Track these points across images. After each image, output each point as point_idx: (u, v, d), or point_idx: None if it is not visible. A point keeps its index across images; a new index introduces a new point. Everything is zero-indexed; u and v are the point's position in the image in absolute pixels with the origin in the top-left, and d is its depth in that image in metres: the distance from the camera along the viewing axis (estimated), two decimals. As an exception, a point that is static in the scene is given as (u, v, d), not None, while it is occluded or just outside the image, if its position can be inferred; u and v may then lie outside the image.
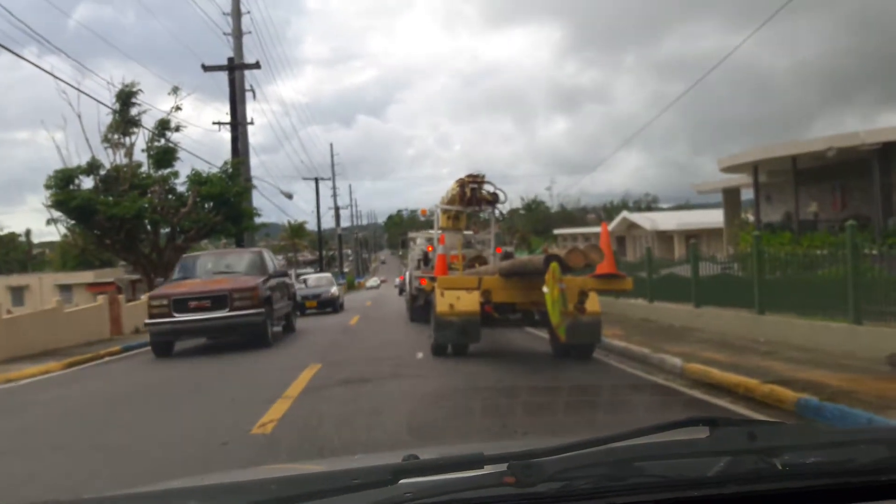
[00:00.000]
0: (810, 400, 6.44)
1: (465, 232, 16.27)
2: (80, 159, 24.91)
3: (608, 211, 76.17)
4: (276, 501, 1.07)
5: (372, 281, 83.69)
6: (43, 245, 72.77)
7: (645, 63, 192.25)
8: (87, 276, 44.17)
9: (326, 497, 1.07)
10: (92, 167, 24.93)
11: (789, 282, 11.19)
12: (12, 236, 71.91)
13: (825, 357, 8.91)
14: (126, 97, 25.48)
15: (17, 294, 45.76)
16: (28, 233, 71.03)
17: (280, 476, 1.20)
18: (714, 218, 32.01)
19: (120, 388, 10.34)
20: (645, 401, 6.98)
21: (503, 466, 1.14)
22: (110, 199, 24.21)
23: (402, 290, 34.21)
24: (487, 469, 1.15)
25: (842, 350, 9.10)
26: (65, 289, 43.29)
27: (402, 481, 1.10)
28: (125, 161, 25.80)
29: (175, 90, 27.10)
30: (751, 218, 26.44)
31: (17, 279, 49.20)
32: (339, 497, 1.07)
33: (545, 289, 8.81)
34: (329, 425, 6.42)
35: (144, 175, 26.07)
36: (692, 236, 29.52)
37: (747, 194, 27.79)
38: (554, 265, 8.74)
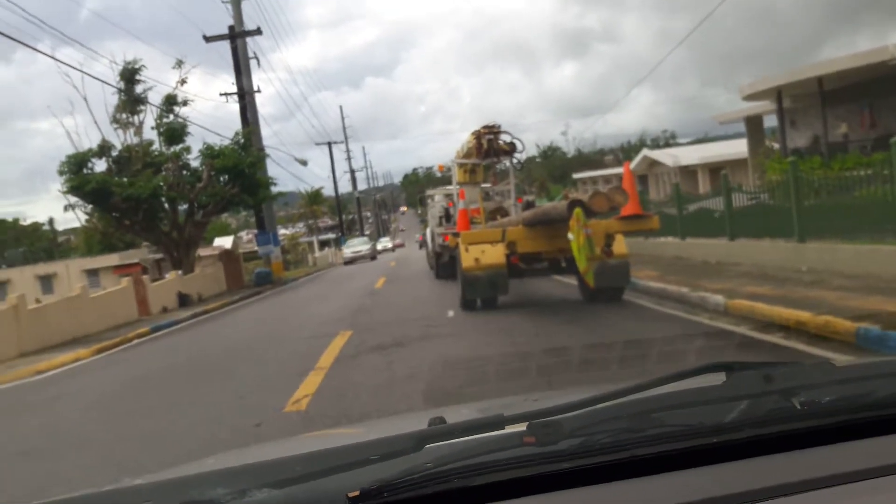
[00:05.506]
0: (871, 329, 6.07)
1: (483, 185, 16.00)
2: (92, 143, 24.78)
3: (626, 151, 75.06)
4: (299, 479, 1.06)
5: (354, 247, 47.98)
6: (67, 232, 73.19)
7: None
8: (113, 259, 44.19)
9: (352, 469, 1.07)
10: (103, 149, 24.78)
11: (830, 206, 10.69)
12: (36, 226, 72.53)
13: (877, 282, 8.48)
14: (130, 75, 25.17)
15: (46, 282, 46.04)
16: (51, 221, 71.54)
17: (304, 453, 1.16)
18: (736, 148, 31.21)
19: (148, 371, 10.17)
20: (695, 345, 6.62)
21: (524, 426, 1.14)
22: (125, 179, 24.08)
23: (421, 246, 34.67)
24: (508, 429, 1.15)
25: (893, 274, 8.67)
26: (92, 273, 43.37)
27: (426, 447, 1.11)
28: (136, 140, 25.59)
29: (179, 63, 26.74)
30: (775, 145, 25.64)
31: (44, 268, 49.39)
32: (365, 468, 1.08)
33: (570, 235, 8.72)
34: (365, 396, 6.15)
35: (157, 153, 25.90)
36: (716, 169, 28.82)
37: (770, 122, 27.01)
38: (578, 211, 8.61)
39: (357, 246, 48.34)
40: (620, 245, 10.21)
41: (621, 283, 10.49)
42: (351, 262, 44.08)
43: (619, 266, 10.14)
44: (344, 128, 76.01)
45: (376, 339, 9.25)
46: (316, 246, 67.77)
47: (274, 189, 29.26)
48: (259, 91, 30.82)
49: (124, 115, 25.43)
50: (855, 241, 9.88)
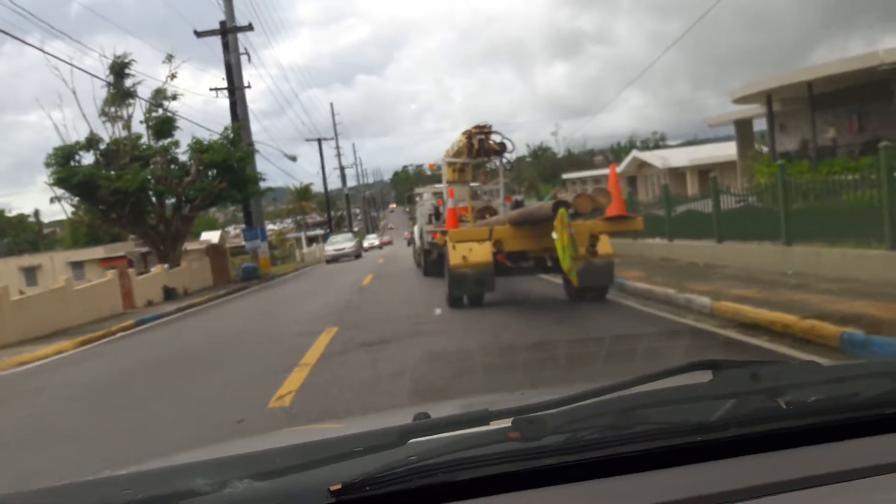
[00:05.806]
0: (855, 334, 6.08)
1: (473, 183, 16.04)
2: (80, 136, 24.59)
3: (616, 152, 75.26)
4: (281, 472, 1.07)
5: (337, 244, 42.27)
6: (53, 224, 72.56)
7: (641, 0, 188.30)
8: (99, 252, 43.78)
9: (335, 462, 1.07)
10: (91, 142, 24.58)
11: (818, 210, 10.74)
12: (21, 217, 71.85)
13: (862, 287, 8.52)
14: (119, 69, 24.97)
15: (31, 274, 45.57)
16: (37, 213, 70.83)
17: (286, 445, 1.18)
18: (726, 151, 31.33)
19: (132, 365, 10.10)
20: (680, 345, 6.64)
21: (508, 422, 1.14)
22: (112, 173, 23.89)
23: (409, 243, 34.72)
24: (493, 425, 1.15)
25: (880, 279, 8.71)
26: (77, 266, 42.94)
27: (409, 441, 1.11)
28: (124, 134, 25.41)
29: (169, 58, 26.54)
30: (765, 149, 25.73)
31: (28, 259, 48.87)
32: (347, 462, 1.07)
33: (555, 235, 8.85)
34: (350, 393, 6.11)
35: (145, 147, 25.72)
36: (705, 171, 28.92)
37: (759, 125, 27.12)
38: (562, 211, 8.74)
39: (340, 243, 42.60)
40: (605, 245, 10.38)
41: (605, 283, 10.64)
42: (334, 260, 39.50)
43: (603, 266, 10.30)
44: (334, 124, 76.01)
45: (363, 335, 9.22)
46: (304, 242, 67.50)
47: (262, 184, 29.11)
48: (249, 87, 30.74)
49: (113, 109, 25.25)
50: (841, 245, 9.93)
